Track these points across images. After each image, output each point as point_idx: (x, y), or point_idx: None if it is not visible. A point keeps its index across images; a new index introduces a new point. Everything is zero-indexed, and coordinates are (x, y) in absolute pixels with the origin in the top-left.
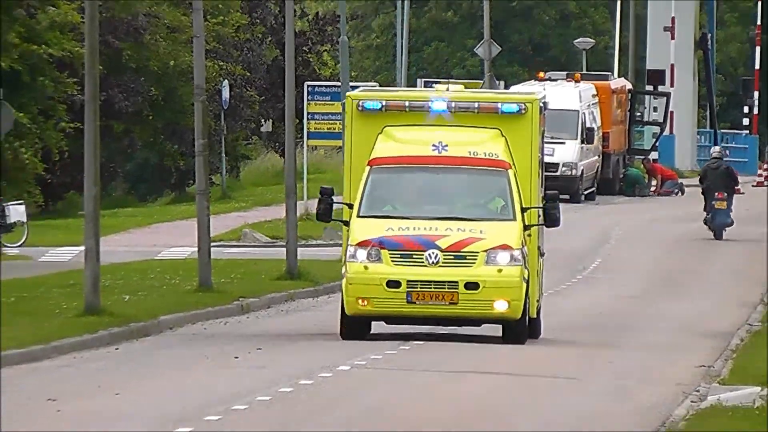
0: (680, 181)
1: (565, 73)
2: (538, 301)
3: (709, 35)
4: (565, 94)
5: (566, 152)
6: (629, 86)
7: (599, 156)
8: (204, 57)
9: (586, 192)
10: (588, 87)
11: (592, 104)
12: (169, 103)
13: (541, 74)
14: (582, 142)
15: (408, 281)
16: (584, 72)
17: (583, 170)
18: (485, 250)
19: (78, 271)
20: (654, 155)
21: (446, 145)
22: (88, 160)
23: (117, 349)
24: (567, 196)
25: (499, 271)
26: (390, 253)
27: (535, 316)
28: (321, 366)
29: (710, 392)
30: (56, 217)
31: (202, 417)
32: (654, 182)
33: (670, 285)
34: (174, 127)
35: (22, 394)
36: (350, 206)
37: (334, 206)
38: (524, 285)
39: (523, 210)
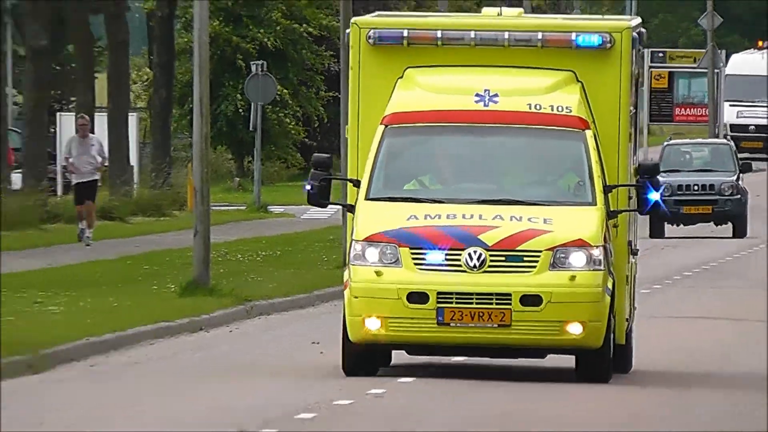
0: None
1: None
2: (627, 320)
3: None
4: None
5: None
6: None
7: None
8: None
9: None
10: None
11: None
12: None
13: (760, 42)
14: None
15: (439, 293)
16: None
17: None
18: (551, 248)
19: (336, 227)
20: None
21: (496, 95)
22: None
23: None
24: None
25: (572, 278)
26: (413, 253)
27: (623, 342)
28: None
29: None
30: None
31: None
32: None
33: None
34: None
35: (291, 339)
36: (357, 183)
37: (334, 182)
38: (607, 298)
39: (607, 189)
